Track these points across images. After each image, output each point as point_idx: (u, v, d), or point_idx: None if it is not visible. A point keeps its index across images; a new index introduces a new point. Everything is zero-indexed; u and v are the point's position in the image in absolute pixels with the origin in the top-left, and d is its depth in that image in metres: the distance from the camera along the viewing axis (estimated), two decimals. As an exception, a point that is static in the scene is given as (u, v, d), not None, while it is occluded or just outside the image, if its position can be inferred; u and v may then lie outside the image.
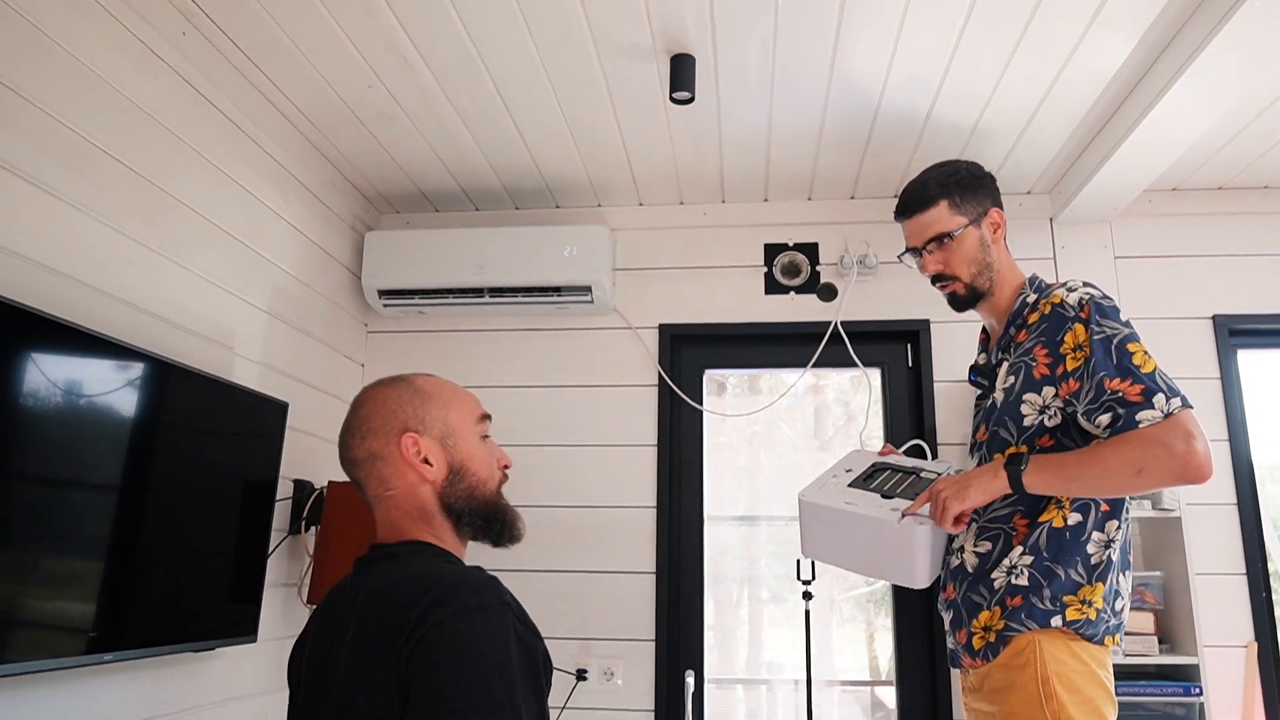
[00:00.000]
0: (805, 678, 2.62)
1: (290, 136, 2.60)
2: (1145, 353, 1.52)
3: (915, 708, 2.78)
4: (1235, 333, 2.89)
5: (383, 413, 1.19)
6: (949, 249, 1.77)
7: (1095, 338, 1.53)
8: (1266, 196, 2.96)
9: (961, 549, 1.71)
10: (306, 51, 2.22)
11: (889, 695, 2.96)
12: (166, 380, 1.92)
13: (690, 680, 2.66)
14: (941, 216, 1.77)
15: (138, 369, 1.83)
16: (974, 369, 1.85)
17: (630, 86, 2.38)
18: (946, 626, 1.74)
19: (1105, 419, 1.50)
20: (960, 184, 1.78)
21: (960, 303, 1.81)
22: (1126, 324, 1.55)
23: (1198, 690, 2.42)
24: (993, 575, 1.62)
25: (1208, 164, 2.80)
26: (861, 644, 3.12)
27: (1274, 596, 2.71)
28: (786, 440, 3.28)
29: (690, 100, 2.27)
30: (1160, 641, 2.53)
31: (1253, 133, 2.60)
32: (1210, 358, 2.86)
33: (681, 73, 2.22)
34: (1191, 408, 1.47)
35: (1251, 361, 2.89)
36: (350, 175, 2.93)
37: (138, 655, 1.81)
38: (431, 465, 1.17)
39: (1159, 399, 1.46)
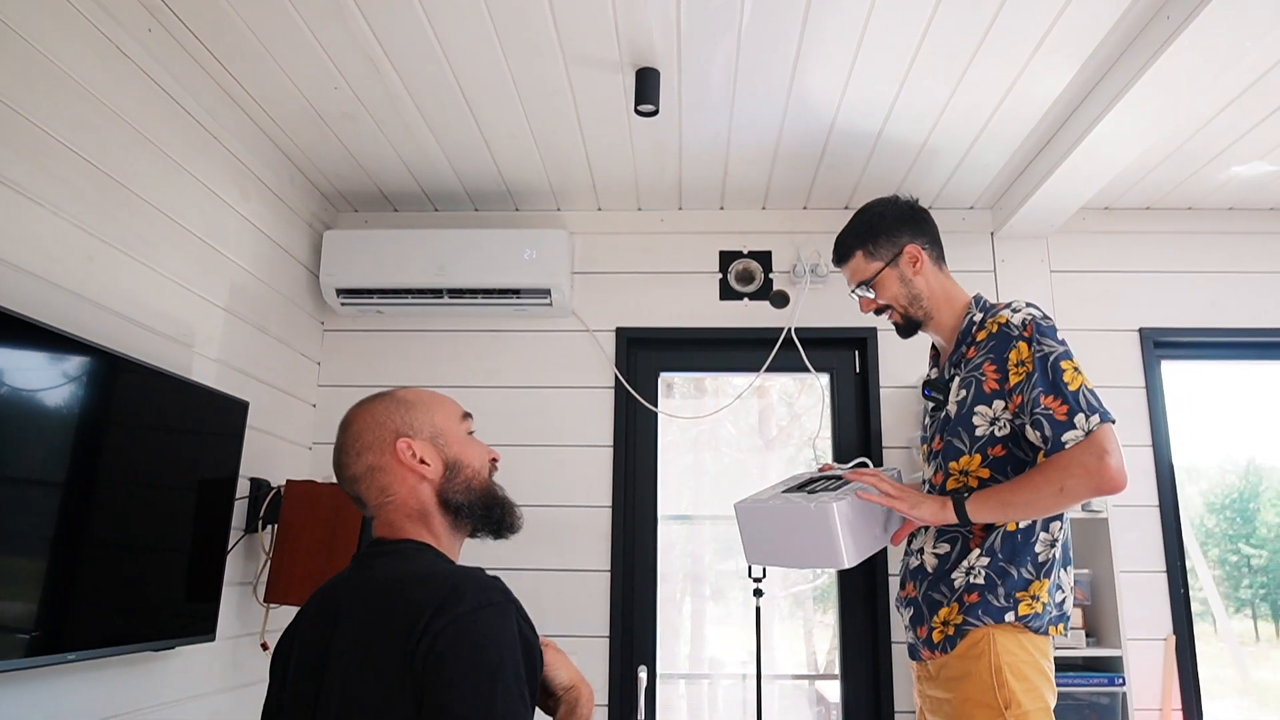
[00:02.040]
0: (755, 673, 2.70)
1: (252, 134, 2.59)
2: (1076, 369, 1.65)
3: (860, 700, 2.89)
4: (1160, 344, 3.06)
5: (373, 426, 1.23)
6: (876, 290, 1.94)
7: (1037, 355, 1.67)
8: (1190, 217, 3.14)
9: (921, 550, 1.82)
10: (273, 51, 2.22)
11: (828, 689, 3.07)
12: (124, 377, 1.90)
13: (643, 675, 2.73)
14: (859, 266, 1.94)
15: (95, 365, 1.81)
16: (927, 383, 1.96)
17: (595, 97, 2.43)
18: (906, 622, 1.85)
19: (1037, 435, 1.65)
20: (871, 231, 1.93)
21: (902, 331, 1.97)
22: (1062, 342, 1.69)
23: (1121, 680, 2.57)
24: (952, 575, 1.74)
25: (1138, 185, 2.97)
26: (800, 640, 3.23)
27: (1191, 593, 2.90)
28: (730, 441, 3.37)
29: (654, 113, 2.33)
30: (1087, 635, 2.69)
31: (1179, 158, 2.77)
32: (1136, 368, 3.03)
33: (646, 86, 2.28)
34: (1112, 422, 1.61)
35: (1174, 372, 3.08)
36: (310, 174, 2.92)
37: (91, 655, 1.78)
38: (428, 465, 1.22)
39: (1080, 418, 1.60)
